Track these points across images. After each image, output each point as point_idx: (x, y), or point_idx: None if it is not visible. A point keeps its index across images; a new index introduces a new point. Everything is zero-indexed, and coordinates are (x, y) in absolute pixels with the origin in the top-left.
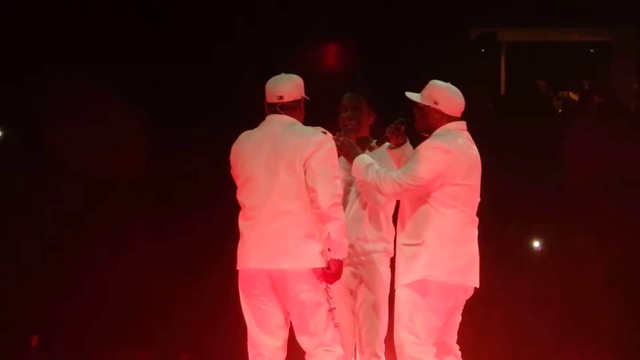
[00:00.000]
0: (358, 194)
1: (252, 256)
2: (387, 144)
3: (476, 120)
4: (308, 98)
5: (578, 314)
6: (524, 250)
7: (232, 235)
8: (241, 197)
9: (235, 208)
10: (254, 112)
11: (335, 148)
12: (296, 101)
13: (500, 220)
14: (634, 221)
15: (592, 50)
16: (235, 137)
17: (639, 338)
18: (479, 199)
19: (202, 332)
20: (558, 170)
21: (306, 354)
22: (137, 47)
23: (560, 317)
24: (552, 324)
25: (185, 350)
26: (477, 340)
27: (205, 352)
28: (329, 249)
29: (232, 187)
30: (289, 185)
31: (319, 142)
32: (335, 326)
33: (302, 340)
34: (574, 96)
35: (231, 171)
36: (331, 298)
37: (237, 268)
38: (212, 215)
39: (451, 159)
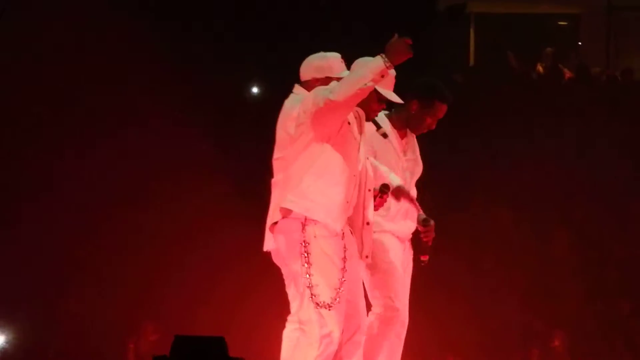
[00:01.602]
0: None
1: None
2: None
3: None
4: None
5: (541, 281)
6: (490, 221)
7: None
8: None
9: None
10: None
11: None
12: (305, 82)
13: (470, 190)
14: (598, 192)
15: (561, 23)
16: None
17: (603, 306)
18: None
19: (165, 300)
20: (528, 141)
21: None
22: None
23: (524, 284)
24: (515, 290)
25: (149, 319)
26: (441, 311)
27: (169, 319)
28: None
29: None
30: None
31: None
32: (318, 306)
33: None
34: (540, 68)
35: None
36: (311, 275)
37: None
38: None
39: None
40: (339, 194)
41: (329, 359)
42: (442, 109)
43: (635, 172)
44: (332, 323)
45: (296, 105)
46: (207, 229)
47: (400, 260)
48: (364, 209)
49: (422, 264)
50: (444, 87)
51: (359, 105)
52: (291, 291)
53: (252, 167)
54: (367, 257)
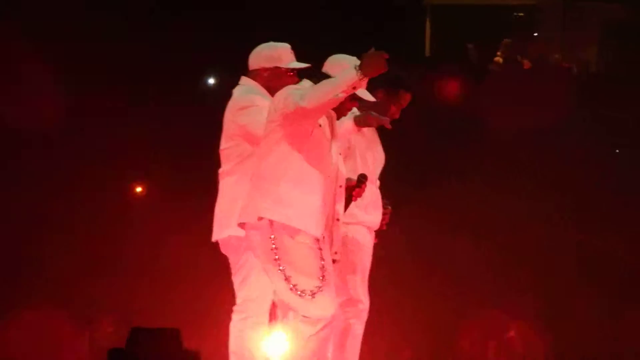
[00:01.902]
0: None
1: None
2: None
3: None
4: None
5: (499, 273)
6: (459, 209)
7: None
8: None
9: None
10: None
11: None
12: (253, 71)
13: (433, 179)
14: (562, 179)
15: (518, 14)
16: None
17: (561, 297)
18: None
19: (122, 293)
20: (486, 131)
21: None
22: None
23: (481, 276)
24: (471, 282)
25: (105, 312)
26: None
27: (125, 312)
28: None
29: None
30: None
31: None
32: (301, 295)
33: None
34: (498, 59)
35: None
36: (286, 268)
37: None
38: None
39: None
40: (318, 199)
41: (325, 341)
42: (406, 98)
43: (597, 163)
44: (323, 307)
45: (244, 96)
46: (162, 223)
47: (368, 256)
48: (334, 204)
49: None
50: (407, 76)
51: None
52: (237, 280)
53: (202, 159)
54: (336, 253)
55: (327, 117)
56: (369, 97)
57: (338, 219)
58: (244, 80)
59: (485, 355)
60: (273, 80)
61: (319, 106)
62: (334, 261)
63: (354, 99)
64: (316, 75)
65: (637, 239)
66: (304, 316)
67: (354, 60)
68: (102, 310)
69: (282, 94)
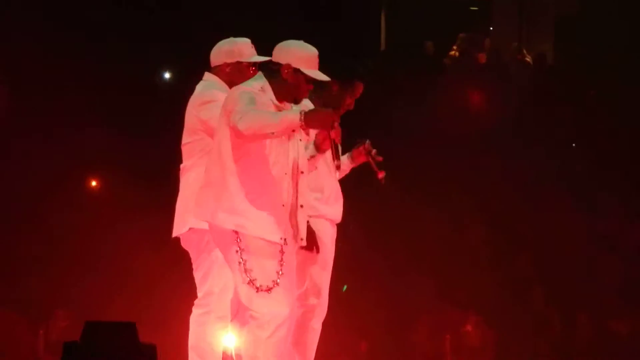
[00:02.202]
0: None
1: None
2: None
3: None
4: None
5: (454, 266)
6: (404, 208)
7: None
8: None
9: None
10: None
11: None
12: (215, 67)
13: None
14: (511, 178)
15: (473, 8)
16: None
17: (515, 292)
18: None
19: (75, 286)
20: (442, 127)
21: None
22: None
23: (437, 270)
24: (428, 276)
25: (60, 306)
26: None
27: (79, 306)
28: None
29: None
30: None
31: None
32: (258, 290)
33: None
34: (454, 53)
35: None
36: (246, 261)
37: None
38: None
39: None
40: (274, 203)
41: (281, 341)
42: (360, 88)
43: (547, 158)
44: (278, 305)
45: (206, 91)
46: (117, 217)
47: (330, 250)
48: (297, 192)
49: (382, 182)
50: (360, 65)
51: (285, 94)
52: (199, 275)
53: (160, 155)
54: (302, 239)
55: (277, 107)
56: (323, 77)
57: (302, 206)
58: (207, 75)
59: (442, 348)
60: (235, 75)
61: (253, 135)
62: (302, 248)
63: (309, 81)
64: (268, 65)
65: (589, 231)
66: (253, 315)
67: (298, 49)
68: (56, 304)
69: (233, 98)
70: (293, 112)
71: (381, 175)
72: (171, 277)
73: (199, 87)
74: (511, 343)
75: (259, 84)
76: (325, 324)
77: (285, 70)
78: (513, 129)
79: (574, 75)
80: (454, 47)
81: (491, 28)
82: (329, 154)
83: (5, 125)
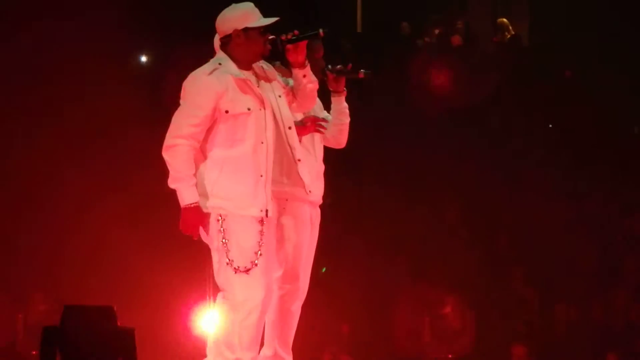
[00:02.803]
0: None
1: None
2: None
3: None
4: (248, 28)
5: (433, 250)
6: (381, 191)
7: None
8: None
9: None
10: None
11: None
12: (226, 36)
13: (361, 159)
14: (489, 161)
15: None
16: None
17: (493, 273)
18: None
19: (54, 269)
20: (417, 110)
21: None
22: None
23: (416, 252)
24: (406, 258)
25: (38, 290)
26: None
27: (58, 289)
28: None
29: None
30: None
31: None
32: (236, 271)
33: None
34: (429, 37)
35: None
36: (227, 240)
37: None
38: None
39: None
40: (247, 177)
41: (256, 324)
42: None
43: (525, 142)
44: (253, 287)
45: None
46: (92, 199)
47: (309, 233)
48: (292, 149)
49: (366, 77)
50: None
51: (250, 58)
52: None
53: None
54: (310, 191)
55: (244, 82)
56: (270, 20)
57: (300, 160)
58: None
59: (421, 330)
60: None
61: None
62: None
63: (264, 33)
64: (221, 44)
65: (567, 213)
66: (227, 297)
67: (235, 12)
68: (34, 288)
69: (184, 85)
70: (185, 194)
71: (361, 75)
72: (150, 260)
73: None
74: (490, 324)
75: (214, 62)
76: (304, 306)
77: (236, 36)
78: (490, 110)
79: (550, 55)
80: (431, 29)
81: (467, 9)
82: (307, 136)
83: None
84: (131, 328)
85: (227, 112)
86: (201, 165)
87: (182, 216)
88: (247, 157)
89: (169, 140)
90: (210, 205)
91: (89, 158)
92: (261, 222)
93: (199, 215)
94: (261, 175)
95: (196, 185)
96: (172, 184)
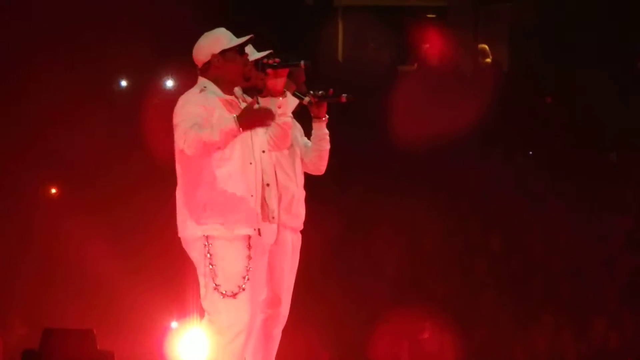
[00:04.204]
0: None
1: None
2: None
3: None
4: (225, 50)
5: (412, 275)
6: (357, 211)
7: None
8: None
9: None
10: None
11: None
12: (206, 64)
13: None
14: (466, 182)
15: (430, 15)
16: None
17: (472, 298)
18: None
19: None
20: (391, 132)
21: None
22: None
23: (394, 278)
24: (385, 283)
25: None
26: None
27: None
28: None
29: None
30: None
31: None
32: (223, 296)
33: None
34: (412, 62)
35: None
36: (214, 265)
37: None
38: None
39: None
40: (237, 196)
41: (240, 348)
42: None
43: (504, 164)
44: (239, 312)
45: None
46: (71, 222)
47: (290, 258)
48: (262, 172)
49: (349, 100)
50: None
51: (233, 80)
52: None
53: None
54: (273, 217)
55: (230, 103)
56: (244, 38)
57: (268, 184)
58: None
59: (399, 355)
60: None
61: (198, 154)
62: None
63: (241, 53)
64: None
65: (549, 240)
66: (212, 320)
67: (210, 38)
68: (15, 311)
69: (176, 109)
70: (228, 120)
71: (343, 99)
72: (129, 283)
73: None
74: (467, 349)
75: (199, 86)
76: (287, 333)
77: (215, 61)
78: (471, 135)
79: (529, 81)
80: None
81: (447, 35)
82: (285, 160)
83: None
84: (111, 352)
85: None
86: (192, 189)
87: (247, 123)
88: (236, 176)
89: (180, 142)
90: (200, 230)
91: (69, 180)
92: (248, 246)
93: (249, 112)
94: (252, 195)
95: (186, 208)
96: (218, 141)
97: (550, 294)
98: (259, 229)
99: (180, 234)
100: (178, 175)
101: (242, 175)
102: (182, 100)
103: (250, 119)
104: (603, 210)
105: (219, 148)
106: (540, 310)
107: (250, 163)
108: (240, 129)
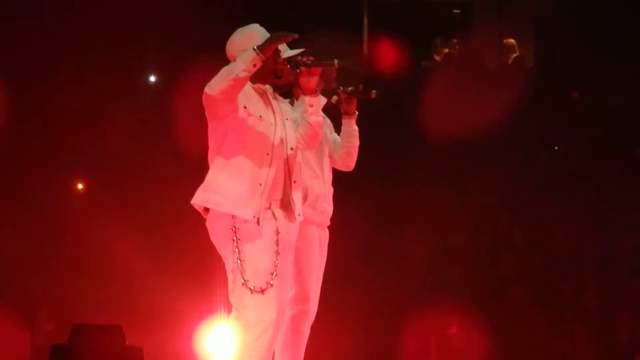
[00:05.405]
0: None
1: None
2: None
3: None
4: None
5: (440, 270)
6: (385, 208)
7: None
8: None
9: None
10: None
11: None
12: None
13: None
14: (492, 178)
15: (455, 10)
16: None
17: (500, 293)
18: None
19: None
20: (420, 128)
21: None
22: None
23: (422, 273)
24: (414, 280)
25: (45, 309)
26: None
27: (67, 309)
28: None
29: None
30: None
31: None
32: (251, 291)
33: None
34: (437, 57)
35: None
36: (242, 260)
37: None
38: None
39: None
40: (243, 181)
41: (268, 344)
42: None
43: (529, 161)
44: (267, 308)
45: None
46: (101, 217)
47: (317, 255)
48: (290, 170)
49: (377, 96)
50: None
51: (264, 77)
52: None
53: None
54: (299, 215)
55: (260, 93)
56: (294, 52)
57: (295, 181)
58: None
59: (427, 350)
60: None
61: (223, 90)
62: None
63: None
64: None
65: (576, 236)
66: (239, 317)
67: (242, 35)
68: (43, 306)
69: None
70: (246, 51)
71: (372, 95)
72: (159, 278)
73: None
74: (493, 345)
75: None
76: (313, 327)
77: None
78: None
79: (555, 77)
80: (440, 51)
81: (472, 30)
82: (312, 157)
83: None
84: (139, 347)
85: (245, 107)
86: (212, 166)
87: (265, 46)
88: (250, 162)
89: (207, 88)
90: (200, 197)
91: (99, 178)
92: (277, 242)
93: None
94: (260, 184)
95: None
96: (238, 68)
97: (577, 290)
98: (258, 218)
99: (192, 201)
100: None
101: (256, 163)
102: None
103: (267, 41)
104: (629, 206)
105: (239, 77)
106: (567, 306)
107: (268, 154)
108: (260, 54)
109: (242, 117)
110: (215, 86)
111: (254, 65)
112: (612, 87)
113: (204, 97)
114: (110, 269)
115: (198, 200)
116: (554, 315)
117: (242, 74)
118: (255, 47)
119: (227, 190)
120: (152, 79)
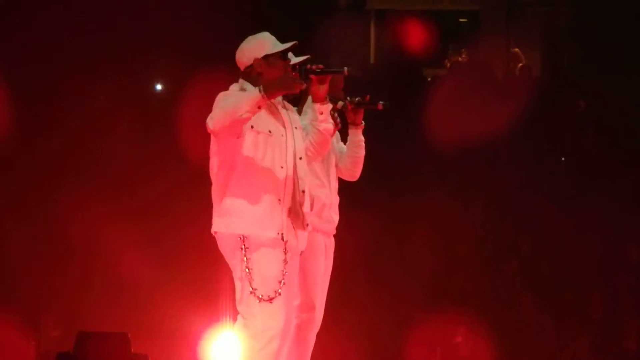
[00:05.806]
0: None
1: None
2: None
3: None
4: (268, 54)
5: (445, 278)
6: (391, 216)
7: None
8: None
9: None
10: None
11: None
12: (248, 67)
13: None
14: (499, 186)
15: (462, 19)
16: None
17: (506, 301)
18: None
19: (67, 296)
20: (423, 136)
21: None
22: None
23: (428, 281)
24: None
25: (51, 316)
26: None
27: (72, 316)
28: None
29: None
30: None
31: None
32: (259, 300)
33: None
34: (445, 64)
35: None
36: (251, 269)
37: None
38: None
39: None
40: (263, 200)
41: (274, 353)
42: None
43: (535, 170)
44: (274, 316)
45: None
46: (107, 225)
47: (323, 263)
48: (299, 179)
49: (384, 107)
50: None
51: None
52: None
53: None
54: (307, 225)
55: (268, 107)
56: (288, 45)
57: (303, 191)
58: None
59: (433, 359)
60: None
61: (225, 127)
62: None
63: (284, 58)
64: (243, 74)
65: (582, 243)
66: (246, 324)
67: (253, 42)
68: (49, 314)
69: (215, 105)
70: (252, 88)
71: (379, 106)
72: (164, 289)
73: None
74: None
75: (240, 85)
76: (318, 335)
77: (257, 65)
78: (498, 135)
79: (562, 85)
80: (447, 59)
81: (479, 38)
82: (318, 166)
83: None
84: (145, 355)
85: (252, 127)
86: (222, 186)
87: (272, 90)
88: (266, 178)
89: (209, 121)
90: (222, 224)
91: (108, 188)
92: (285, 251)
93: (278, 80)
94: (279, 200)
95: (216, 205)
96: (241, 108)
97: (584, 299)
98: (282, 234)
99: (213, 230)
100: (211, 172)
101: (272, 178)
102: (222, 95)
103: (275, 86)
104: (636, 214)
105: (242, 117)
106: (574, 314)
107: (282, 167)
108: (264, 96)
109: (247, 139)
110: (217, 122)
111: (259, 107)
112: (618, 96)
113: (206, 127)
114: (116, 277)
115: (220, 227)
116: (560, 323)
117: (246, 115)
118: (261, 89)
119: (247, 212)
120: (160, 87)
